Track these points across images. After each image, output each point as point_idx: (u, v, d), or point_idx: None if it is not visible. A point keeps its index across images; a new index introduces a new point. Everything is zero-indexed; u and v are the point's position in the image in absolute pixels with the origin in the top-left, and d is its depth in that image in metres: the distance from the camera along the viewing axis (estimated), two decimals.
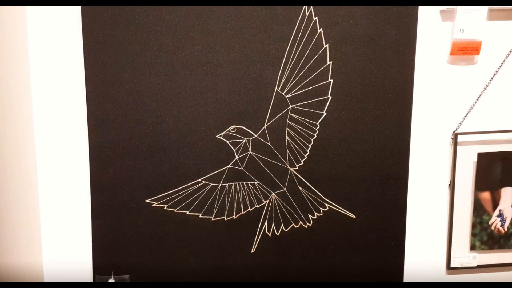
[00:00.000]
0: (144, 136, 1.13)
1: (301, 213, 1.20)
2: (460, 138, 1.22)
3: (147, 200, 1.16)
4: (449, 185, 1.25)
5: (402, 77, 1.16)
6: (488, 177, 1.24)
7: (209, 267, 1.20)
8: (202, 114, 1.13)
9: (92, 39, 1.08)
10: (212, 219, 1.18)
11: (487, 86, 1.22)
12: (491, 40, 1.20)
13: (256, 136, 1.16)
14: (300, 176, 1.19)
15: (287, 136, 1.16)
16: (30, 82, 1.12)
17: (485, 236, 1.27)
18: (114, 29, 1.08)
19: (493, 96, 1.22)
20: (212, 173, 1.16)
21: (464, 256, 1.28)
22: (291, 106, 1.15)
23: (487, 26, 1.19)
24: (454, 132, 1.22)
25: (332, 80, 1.14)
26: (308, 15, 1.11)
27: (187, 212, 1.17)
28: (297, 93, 1.14)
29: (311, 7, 1.11)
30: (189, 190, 1.16)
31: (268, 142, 1.16)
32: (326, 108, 1.16)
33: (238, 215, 1.19)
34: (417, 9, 1.14)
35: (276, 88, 1.14)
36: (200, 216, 1.18)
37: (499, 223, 1.27)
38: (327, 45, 1.13)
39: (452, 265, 1.28)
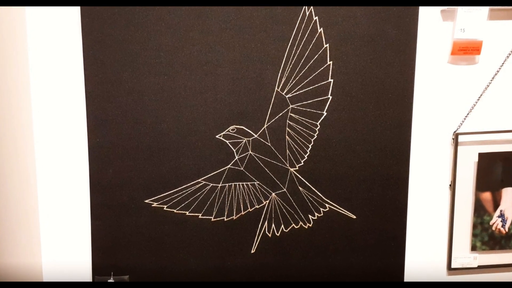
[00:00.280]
0: (143, 136, 1.13)
1: (301, 213, 1.20)
2: (461, 138, 1.22)
3: (146, 201, 1.15)
4: (450, 185, 1.24)
5: (402, 77, 1.16)
6: (489, 178, 1.24)
7: (209, 267, 1.20)
8: (202, 114, 1.13)
9: (92, 39, 1.08)
10: (212, 219, 1.18)
11: (488, 86, 1.21)
12: (492, 40, 1.20)
13: (256, 136, 1.15)
14: (300, 177, 1.18)
15: (287, 136, 1.16)
16: (30, 82, 1.12)
17: (486, 237, 1.27)
18: (114, 29, 1.08)
19: (494, 96, 1.22)
20: (212, 174, 1.16)
21: (465, 256, 1.27)
22: (291, 106, 1.15)
23: (488, 26, 1.18)
24: (454, 132, 1.22)
25: (332, 80, 1.14)
26: (308, 15, 1.11)
27: (187, 213, 1.17)
28: (297, 93, 1.14)
29: (311, 7, 1.11)
30: (189, 190, 1.16)
31: (268, 142, 1.16)
32: (326, 108, 1.15)
33: (238, 216, 1.18)
34: (418, 9, 1.14)
35: (276, 88, 1.13)
36: (200, 217, 1.18)
37: (500, 224, 1.26)
38: (327, 45, 1.13)
39: (453, 266, 1.27)
